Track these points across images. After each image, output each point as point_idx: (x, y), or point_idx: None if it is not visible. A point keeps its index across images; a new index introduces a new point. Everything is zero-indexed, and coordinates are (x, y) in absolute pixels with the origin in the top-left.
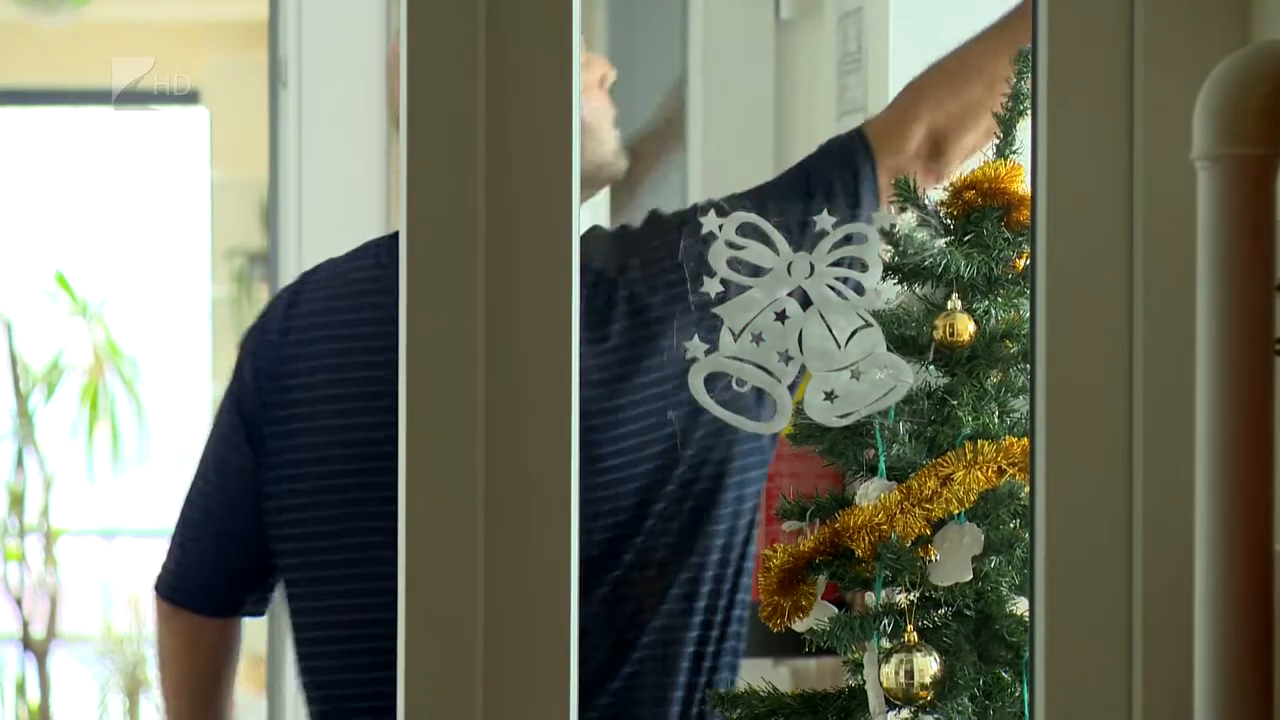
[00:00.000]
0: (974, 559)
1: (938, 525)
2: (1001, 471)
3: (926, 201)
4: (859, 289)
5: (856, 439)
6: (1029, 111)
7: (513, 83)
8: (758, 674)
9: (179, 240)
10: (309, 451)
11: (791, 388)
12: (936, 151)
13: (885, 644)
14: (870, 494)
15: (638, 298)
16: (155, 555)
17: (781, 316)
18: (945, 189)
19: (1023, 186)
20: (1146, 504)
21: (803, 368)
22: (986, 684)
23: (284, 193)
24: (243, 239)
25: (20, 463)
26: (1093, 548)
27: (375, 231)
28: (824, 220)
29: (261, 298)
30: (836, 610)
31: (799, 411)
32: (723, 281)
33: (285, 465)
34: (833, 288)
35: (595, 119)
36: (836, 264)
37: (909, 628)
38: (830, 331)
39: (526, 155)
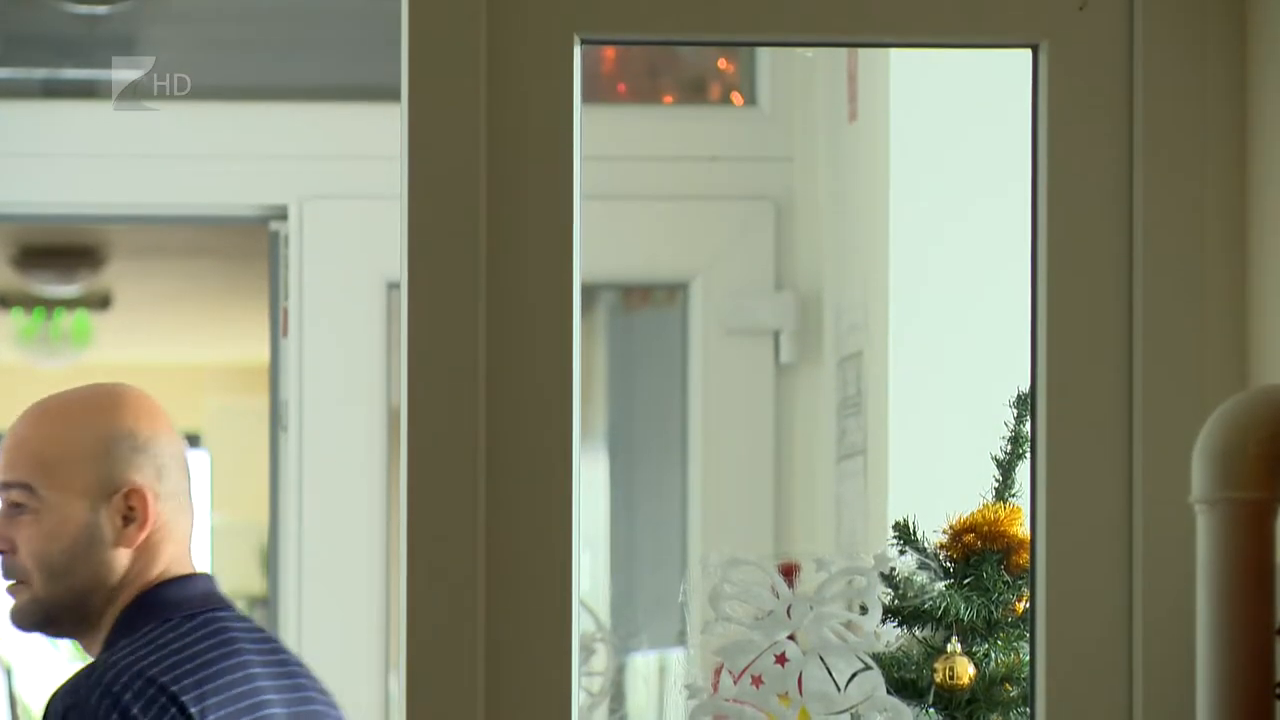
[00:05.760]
0: None
1: None
2: None
3: (926, 544)
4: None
5: None
6: (1028, 454)
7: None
8: None
9: None
10: None
11: None
12: None
13: None
14: None
15: None
16: None
17: (781, 659)
18: (945, 531)
19: (1022, 529)
20: None
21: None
22: None
23: (284, 537)
24: (243, 583)
25: None
26: None
27: (375, 575)
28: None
29: None
30: None
31: None
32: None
33: None
34: (832, 630)
35: None
36: (836, 606)
37: None
38: (830, 674)
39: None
